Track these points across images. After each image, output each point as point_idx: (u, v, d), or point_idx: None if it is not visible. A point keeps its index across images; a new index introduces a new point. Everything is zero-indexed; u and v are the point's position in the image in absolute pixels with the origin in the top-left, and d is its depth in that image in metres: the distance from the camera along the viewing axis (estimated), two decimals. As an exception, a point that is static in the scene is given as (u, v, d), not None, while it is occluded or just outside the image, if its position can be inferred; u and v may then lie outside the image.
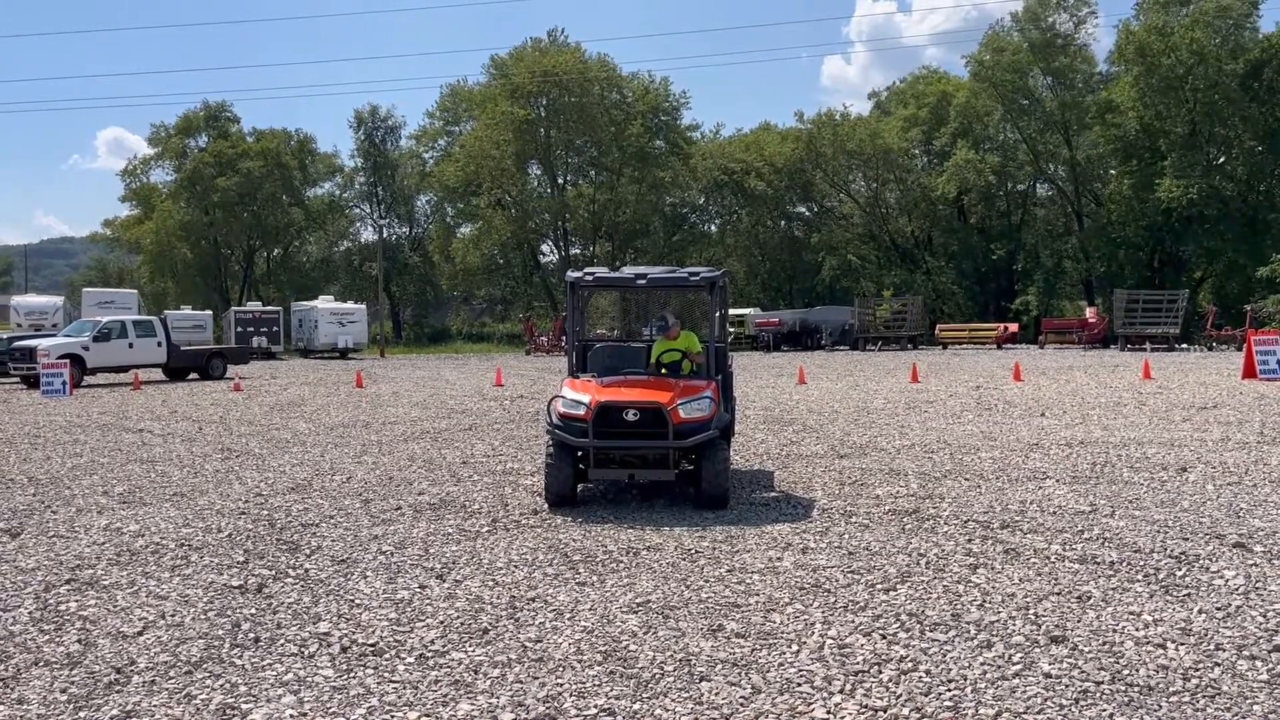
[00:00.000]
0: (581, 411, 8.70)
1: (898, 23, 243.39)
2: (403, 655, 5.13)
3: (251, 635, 5.47)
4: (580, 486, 9.22)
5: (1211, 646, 5.04)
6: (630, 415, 8.64)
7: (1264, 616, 5.47)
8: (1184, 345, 40.93)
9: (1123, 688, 4.55)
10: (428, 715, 4.40)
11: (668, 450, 8.65)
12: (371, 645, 5.28)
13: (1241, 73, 47.51)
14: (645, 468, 8.79)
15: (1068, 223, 58.91)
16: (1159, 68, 47.72)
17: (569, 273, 10.14)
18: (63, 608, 6.05)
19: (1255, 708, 4.34)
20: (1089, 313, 47.11)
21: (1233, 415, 14.88)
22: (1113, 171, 55.51)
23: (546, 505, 8.88)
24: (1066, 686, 4.57)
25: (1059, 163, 57.54)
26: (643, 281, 9.87)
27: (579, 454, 8.82)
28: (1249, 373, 21.70)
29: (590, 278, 9.87)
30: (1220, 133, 49.64)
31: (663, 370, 9.62)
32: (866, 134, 60.88)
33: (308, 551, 7.34)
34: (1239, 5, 47.25)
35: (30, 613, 5.95)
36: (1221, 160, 50.38)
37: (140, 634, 5.52)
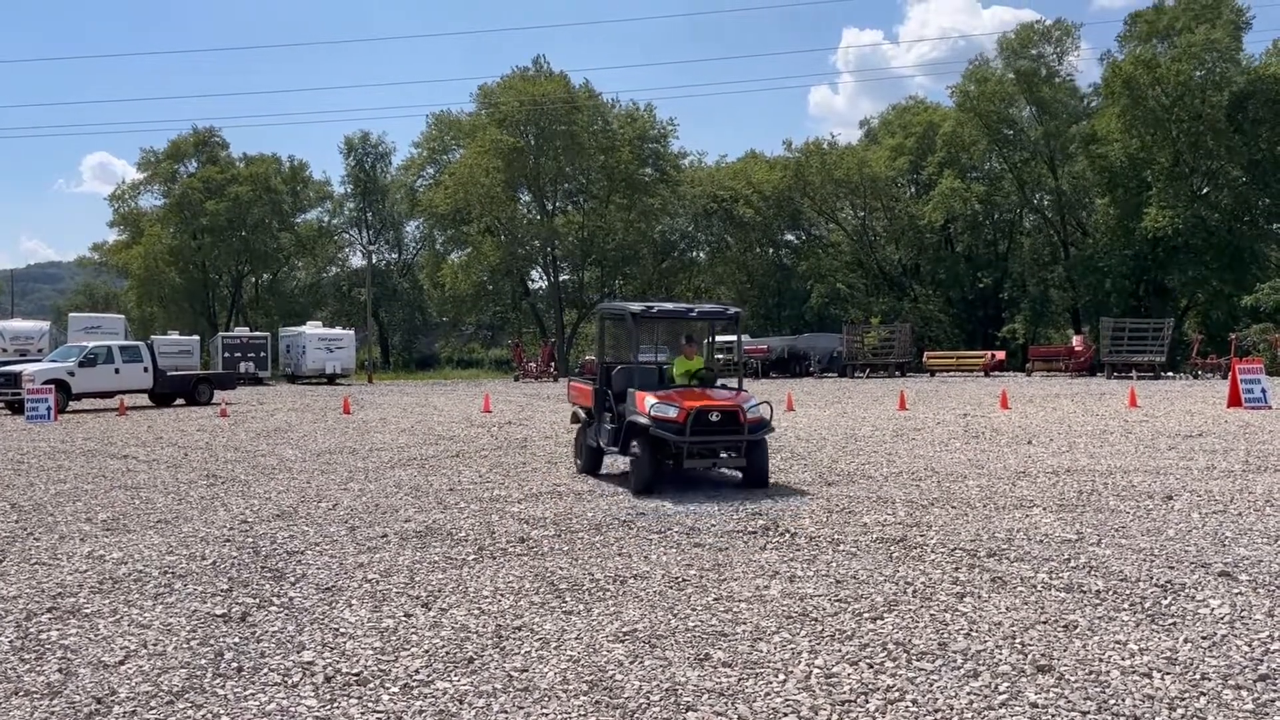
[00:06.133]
0: (674, 414, 10.88)
1: (885, 53, 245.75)
2: (387, 685, 5.09)
3: (234, 664, 5.43)
4: (570, 515, 9.56)
5: (1197, 676, 5.04)
6: (714, 416, 10.99)
7: (1249, 646, 5.48)
8: (1170, 374, 41.10)
9: (1109, 717, 4.55)
10: (412, 746, 4.37)
11: (741, 442, 11.07)
12: (356, 674, 5.24)
13: (1227, 104, 48.04)
14: (719, 456, 11.24)
15: (1054, 251, 59.29)
16: (1145, 100, 48.23)
17: (630, 306, 12.16)
18: (44, 636, 5.99)
19: (1241, 738, 4.34)
20: (1075, 341, 47.28)
21: (1218, 444, 14.95)
22: (1098, 201, 55.97)
23: (635, 494, 10.85)
24: (1053, 716, 4.57)
25: (1045, 192, 57.99)
26: (695, 313, 12.61)
27: (670, 448, 10.96)
28: (1234, 401, 21.81)
29: (655, 310, 12.16)
30: (1205, 164, 50.14)
31: (692, 383, 11.76)
32: (854, 162, 61.27)
33: (292, 579, 7.29)
34: (1225, 39, 47.82)
35: (11, 641, 5.89)
36: (1206, 190, 50.83)
37: (122, 663, 5.47)
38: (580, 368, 34.23)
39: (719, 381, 12.17)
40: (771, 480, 11.97)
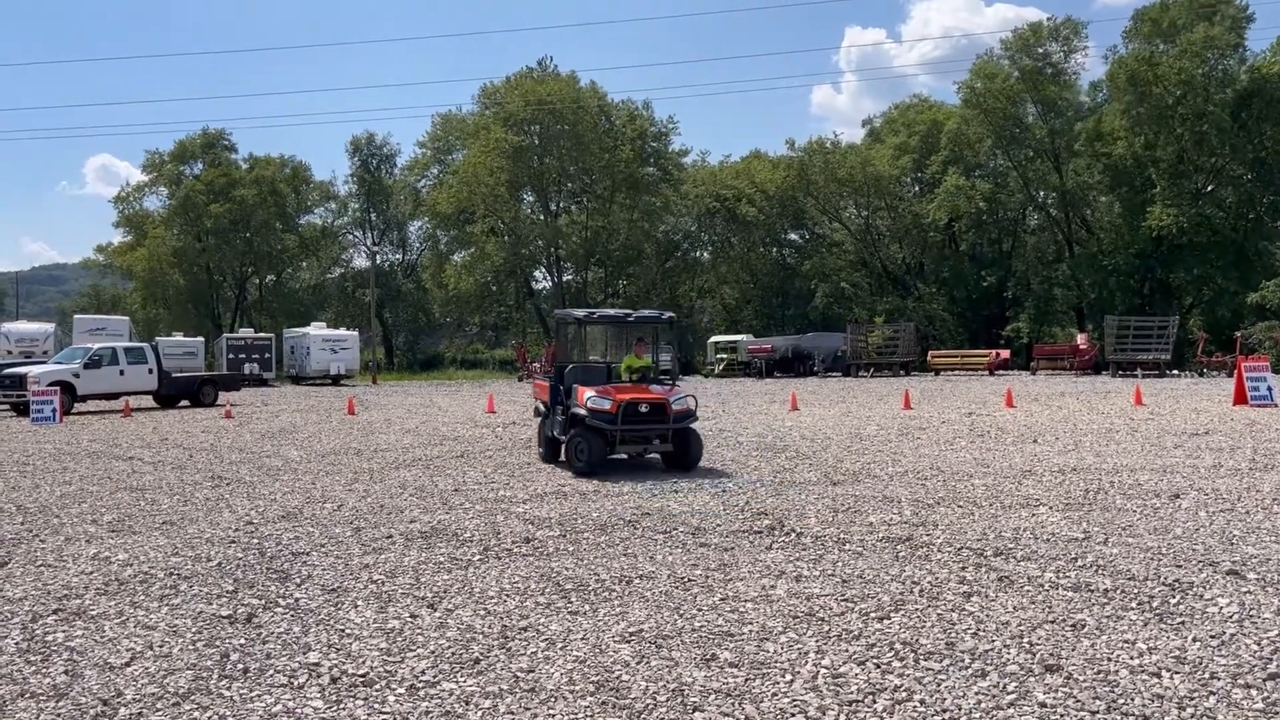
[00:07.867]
0: (608, 406, 12.50)
1: (887, 51, 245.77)
2: (393, 686, 5.09)
3: (240, 666, 5.42)
4: (576, 516, 9.64)
5: (1206, 675, 5.02)
6: (643, 408, 12.59)
7: (1258, 644, 5.45)
8: (1175, 372, 41.05)
9: (1118, 717, 4.53)
10: (418, 747, 4.36)
11: (668, 430, 12.74)
12: (362, 676, 5.24)
13: (1231, 102, 47.96)
14: (651, 443, 12.88)
15: (1058, 250, 59.20)
16: (1149, 97, 48.16)
17: (575, 312, 13.91)
18: (50, 638, 5.99)
19: (1251, 737, 4.31)
20: (1080, 339, 47.23)
21: (1224, 442, 14.91)
22: (1103, 199, 55.87)
23: (576, 475, 12.45)
24: (1061, 716, 4.55)
25: (1049, 190, 57.93)
26: (632, 318, 14.16)
27: (606, 435, 12.54)
28: (1240, 399, 21.78)
29: (596, 315, 13.92)
30: (1209, 161, 50.07)
31: (632, 379, 13.36)
32: (857, 162, 61.26)
33: (298, 580, 7.29)
34: (1225, 36, 47.74)
35: (17, 643, 5.89)
36: (1211, 188, 50.76)
37: (128, 665, 5.47)
38: None
39: (662, 378, 14.26)
40: (776, 480, 11.97)
